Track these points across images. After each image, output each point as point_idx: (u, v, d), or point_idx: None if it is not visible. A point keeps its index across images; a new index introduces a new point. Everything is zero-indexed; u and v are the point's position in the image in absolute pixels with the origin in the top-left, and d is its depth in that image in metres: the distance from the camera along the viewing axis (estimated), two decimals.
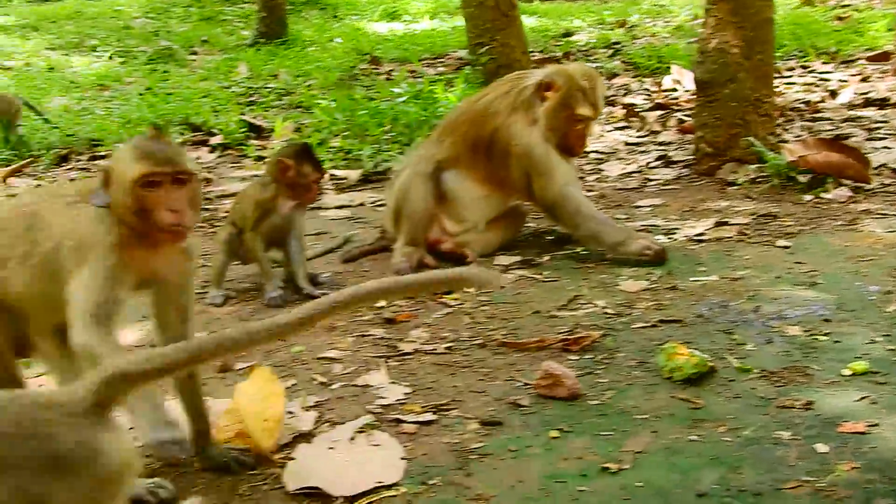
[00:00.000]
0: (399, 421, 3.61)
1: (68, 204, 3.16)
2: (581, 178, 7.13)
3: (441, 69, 12.57)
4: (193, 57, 16.55)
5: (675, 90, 10.30)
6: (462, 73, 10.33)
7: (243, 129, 9.89)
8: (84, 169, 9.06)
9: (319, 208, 7.00)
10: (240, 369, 4.16)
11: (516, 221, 5.96)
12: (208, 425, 3.37)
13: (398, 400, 3.80)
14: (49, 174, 9.11)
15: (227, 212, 6.36)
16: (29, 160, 9.50)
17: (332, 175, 7.79)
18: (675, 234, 5.75)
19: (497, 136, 5.57)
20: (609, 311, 4.61)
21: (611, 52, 12.96)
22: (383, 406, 3.75)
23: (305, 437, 3.50)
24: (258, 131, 10.00)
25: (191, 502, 3.07)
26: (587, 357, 4.10)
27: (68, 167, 9.45)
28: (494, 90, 5.77)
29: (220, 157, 9.41)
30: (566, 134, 5.51)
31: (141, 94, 12.41)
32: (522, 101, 5.55)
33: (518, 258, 5.56)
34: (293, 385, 3.95)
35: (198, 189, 3.14)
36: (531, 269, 5.37)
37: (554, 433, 3.44)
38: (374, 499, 3.06)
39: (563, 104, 5.45)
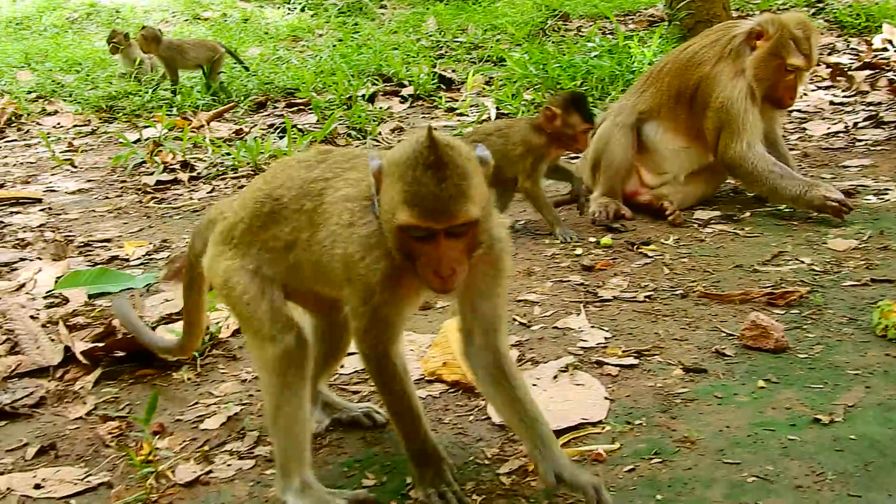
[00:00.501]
0: (601, 363, 3.61)
1: (350, 199, 2.63)
2: (784, 136, 6.91)
3: (632, 26, 12.35)
4: (382, 10, 16.80)
5: (885, 50, 9.81)
6: (658, 29, 10.11)
7: (434, 81, 10.00)
8: (280, 116, 9.35)
9: None
10: (442, 308, 4.24)
11: (717, 176, 5.81)
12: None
13: (599, 343, 3.80)
14: (248, 119, 9.45)
15: None
16: (230, 105, 9.88)
17: None
18: (886, 195, 5.50)
19: (701, 86, 5.45)
20: (816, 268, 4.47)
21: (814, 10, 12.42)
22: (584, 348, 3.76)
23: None
24: (448, 83, 10.10)
25: None
26: (793, 312, 4.00)
27: (265, 113, 9.78)
28: (701, 40, 5.64)
29: (410, 107, 9.55)
30: (775, 85, 5.34)
31: (333, 46, 12.70)
32: (731, 51, 5.40)
33: (717, 213, 5.45)
34: None
35: (478, 231, 2.45)
36: (732, 224, 5.25)
37: (761, 383, 3.38)
38: (580, 434, 3.08)
39: (774, 53, 5.28)
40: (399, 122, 8.75)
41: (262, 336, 2.78)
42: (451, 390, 3.46)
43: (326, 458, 3.09)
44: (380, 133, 8.18)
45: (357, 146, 7.91)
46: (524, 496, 2.74)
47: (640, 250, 4.90)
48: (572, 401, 3.29)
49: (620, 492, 2.76)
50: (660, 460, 2.92)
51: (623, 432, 3.10)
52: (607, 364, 3.59)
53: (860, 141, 6.81)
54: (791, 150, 6.57)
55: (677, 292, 4.30)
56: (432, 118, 8.94)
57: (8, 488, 3.01)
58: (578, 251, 4.93)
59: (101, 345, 3.94)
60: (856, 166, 6.18)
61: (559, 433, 3.06)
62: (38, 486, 3.01)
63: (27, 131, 10.12)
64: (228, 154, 7.62)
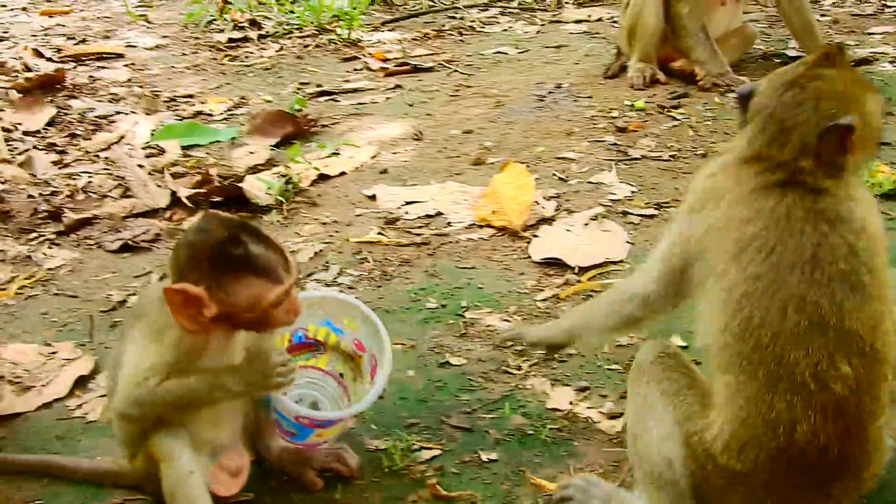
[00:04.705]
0: (626, 213, 4.25)
1: None
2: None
3: None
4: None
5: None
6: None
7: None
8: None
9: (560, 22, 7.53)
10: (492, 163, 4.88)
11: (745, 41, 6.28)
12: None
13: (626, 196, 4.43)
14: None
15: None
16: None
17: None
18: None
19: None
20: None
21: None
22: (612, 200, 4.39)
23: (547, 220, 4.21)
24: None
25: None
26: None
27: None
28: None
29: None
30: None
31: None
32: None
33: (746, 78, 5.90)
34: (536, 179, 4.59)
35: None
36: None
37: None
38: (604, 271, 3.75)
39: None
40: None
41: None
42: (498, 234, 4.13)
43: None
44: None
45: None
46: (555, 316, 3.43)
47: (669, 113, 5.46)
48: (599, 244, 3.95)
49: None
50: None
51: None
52: (630, 214, 4.23)
53: (889, 7, 7.20)
54: (822, 17, 7.00)
55: (699, 152, 4.89)
56: None
57: None
58: (615, 113, 5.49)
59: (201, 190, 4.64)
60: (880, 33, 6.61)
61: (585, 269, 3.75)
62: None
63: None
64: (293, 12, 8.15)
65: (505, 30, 7.49)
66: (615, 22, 7.35)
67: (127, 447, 2.56)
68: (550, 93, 5.90)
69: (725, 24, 6.16)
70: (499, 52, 6.89)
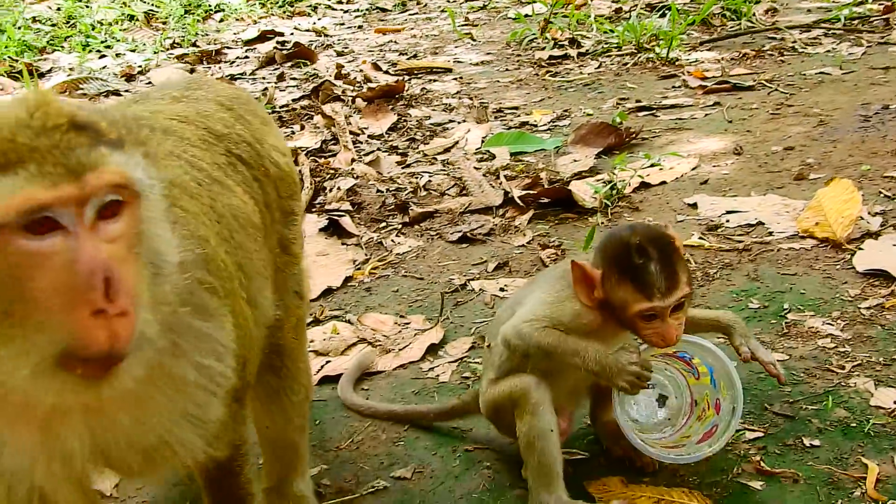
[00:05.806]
0: None
1: None
2: None
3: None
4: None
5: None
6: None
7: None
8: None
9: (888, 44, 7.40)
10: (814, 179, 4.93)
11: None
12: None
13: None
14: None
15: None
16: None
17: None
18: None
19: None
20: None
21: None
22: None
23: (872, 235, 4.22)
24: None
25: None
26: None
27: None
28: None
29: None
30: None
31: None
32: None
33: None
34: (862, 195, 4.57)
35: None
36: None
37: None
38: None
39: None
40: (772, 2, 9.15)
41: None
42: (821, 245, 4.20)
43: None
44: (754, 14, 8.67)
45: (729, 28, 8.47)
46: (881, 324, 3.49)
47: None
48: None
49: None
50: None
51: None
52: None
53: None
54: None
55: None
56: None
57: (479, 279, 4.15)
58: None
59: (532, 192, 5.01)
60: None
61: None
62: (501, 290, 4.13)
63: (425, 5, 11.51)
64: (612, 31, 8.45)
65: (828, 51, 7.43)
66: None
67: (493, 373, 2.90)
68: (876, 113, 5.84)
69: None
70: (821, 73, 6.87)
